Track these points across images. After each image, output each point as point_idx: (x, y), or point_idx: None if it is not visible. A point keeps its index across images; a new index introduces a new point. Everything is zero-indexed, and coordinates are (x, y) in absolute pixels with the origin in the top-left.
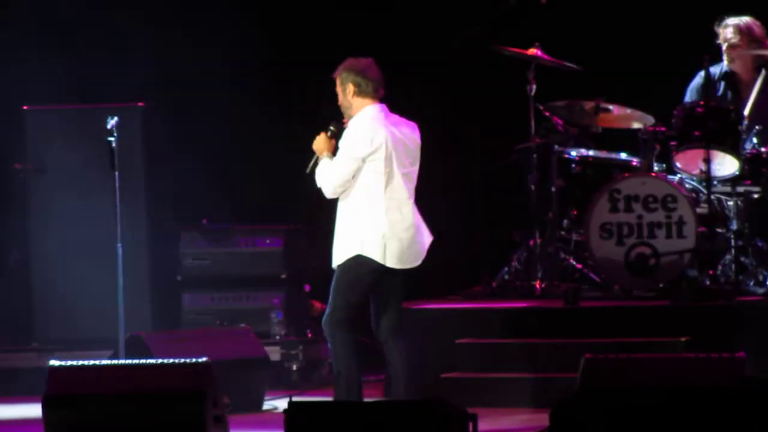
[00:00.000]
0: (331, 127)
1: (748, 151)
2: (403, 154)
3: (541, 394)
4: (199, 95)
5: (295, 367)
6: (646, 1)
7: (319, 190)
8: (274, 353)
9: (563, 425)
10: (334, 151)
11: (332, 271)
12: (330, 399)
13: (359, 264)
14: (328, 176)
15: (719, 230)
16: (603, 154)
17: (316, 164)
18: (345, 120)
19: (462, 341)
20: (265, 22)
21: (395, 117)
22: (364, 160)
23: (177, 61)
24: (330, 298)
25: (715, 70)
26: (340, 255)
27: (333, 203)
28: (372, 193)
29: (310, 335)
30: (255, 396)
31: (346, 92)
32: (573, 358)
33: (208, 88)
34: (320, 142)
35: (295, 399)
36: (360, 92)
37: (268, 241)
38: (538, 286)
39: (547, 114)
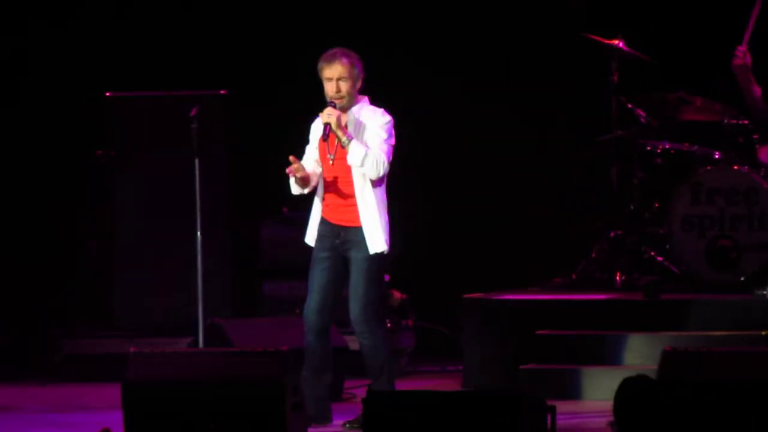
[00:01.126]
0: (332, 102)
1: None
2: None
3: None
4: (283, 83)
5: None
6: None
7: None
8: (353, 342)
9: (628, 416)
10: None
11: (405, 260)
12: (409, 389)
13: (386, 255)
14: (382, 162)
15: None
16: (685, 147)
17: (327, 133)
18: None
19: (541, 332)
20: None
21: None
22: None
23: (262, 49)
24: (363, 290)
25: None
26: (377, 245)
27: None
28: (385, 185)
29: (389, 324)
30: (335, 385)
31: (356, 83)
32: (652, 351)
33: (291, 76)
34: (334, 113)
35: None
36: (360, 85)
37: None
38: (618, 278)
39: (630, 106)
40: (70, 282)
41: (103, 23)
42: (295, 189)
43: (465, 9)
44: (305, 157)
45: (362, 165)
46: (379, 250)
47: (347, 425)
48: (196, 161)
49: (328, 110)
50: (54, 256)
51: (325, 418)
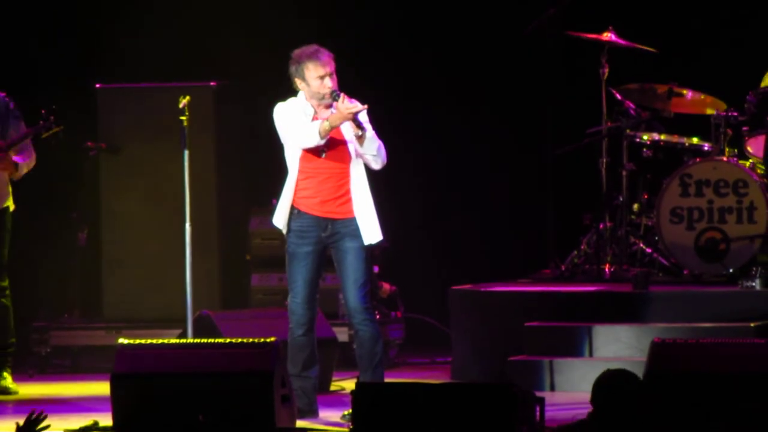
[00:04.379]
0: (336, 93)
1: None
2: None
3: None
4: (272, 76)
5: None
6: None
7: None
8: (342, 334)
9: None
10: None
11: (392, 250)
12: (398, 381)
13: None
14: (384, 150)
15: None
16: (674, 139)
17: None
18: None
19: (530, 324)
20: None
21: None
22: None
23: (252, 41)
24: (363, 278)
25: None
26: (374, 234)
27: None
28: None
29: (378, 316)
30: (322, 376)
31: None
32: (641, 342)
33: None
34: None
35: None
36: None
37: None
38: (607, 269)
39: (620, 98)
40: (59, 273)
41: (94, 14)
42: (317, 138)
43: (454, 5)
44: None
45: (377, 154)
46: (375, 240)
47: (346, 416)
48: (185, 153)
49: (348, 102)
50: (43, 247)
51: (313, 411)
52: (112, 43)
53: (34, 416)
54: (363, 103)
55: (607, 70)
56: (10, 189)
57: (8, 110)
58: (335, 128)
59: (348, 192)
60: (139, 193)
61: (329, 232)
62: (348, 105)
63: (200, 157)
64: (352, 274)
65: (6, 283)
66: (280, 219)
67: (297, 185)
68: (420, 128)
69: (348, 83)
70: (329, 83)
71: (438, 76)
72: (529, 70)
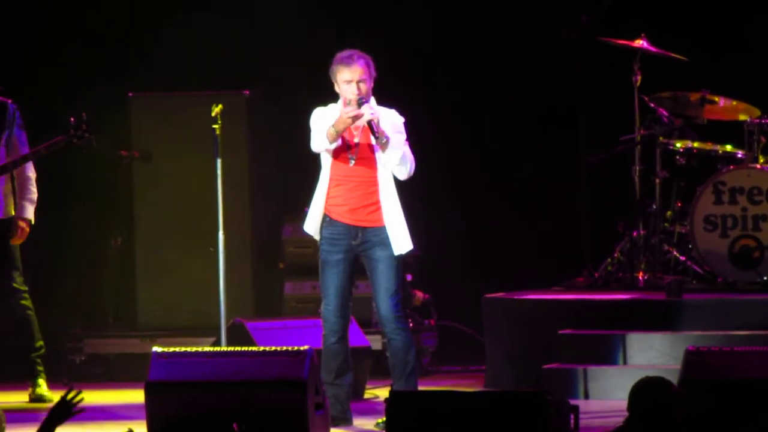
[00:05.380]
0: (362, 100)
1: None
2: None
3: None
4: (305, 84)
5: None
6: None
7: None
8: (376, 342)
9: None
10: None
11: (426, 258)
12: (431, 389)
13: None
14: (412, 161)
15: None
16: (708, 146)
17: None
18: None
19: (564, 332)
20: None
21: None
22: None
23: (285, 49)
24: (395, 287)
25: None
26: (404, 244)
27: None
28: None
29: (411, 324)
30: (356, 384)
31: (371, 84)
32: (675, 350)
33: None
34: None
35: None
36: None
37: None
38: (641, 277)
39: (652, 105)
40: (93, 282)
41: (128, 22)
42: (326, 142)
43: (485, 12)
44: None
45: (400, 164)
46: (405, 250)
47: (380, 424)
48: (218, 161)
49: (366, 107)
50: (76, 255)
51: (347, 419)
52: (145, 51)
53: (71, 395)
54: (401, 114)
55: (639, 78)
56: (13, 199)
57: (14, 118)
58: (341, 133)
59: (377, 201)
60: (172, 201)
61: (359, 240)
62: (347, 110)
63: (233, 165)
64: (383, 283)
65: (24, 287)
66: (311, 226)
67: (328, 192)
68: (453, 136)
69: (384, 88)
70: (355, 89)
71: (471, 85)
72: (563, 78)
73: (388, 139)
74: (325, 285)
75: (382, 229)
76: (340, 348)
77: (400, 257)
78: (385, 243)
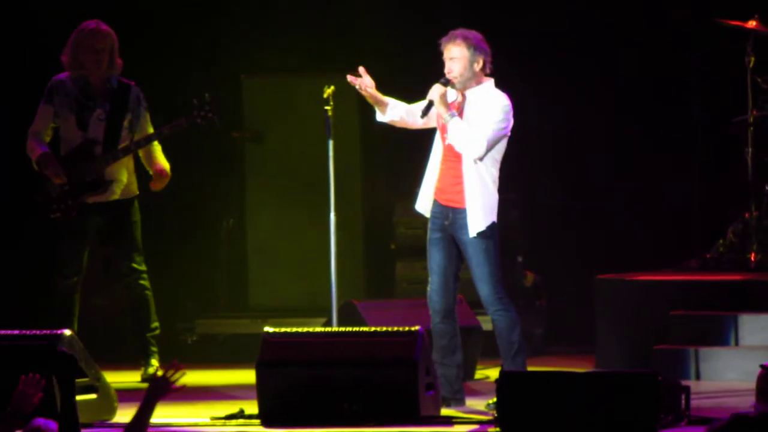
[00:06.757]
0: (444, 79)
1: None
2: None
3: (753, 368)
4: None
5: None
6: None
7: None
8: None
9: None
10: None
11: (540, 240)
12: (542, 369)
13: (495, 231)
14: (479, 141)
15: None
16: None
17: (428, 109)
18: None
19: (675, 313)
20: None
21: None
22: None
23: (399, 28)
24: (488, 270)
25: None
26: (480, 223)
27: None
28: (498, 166)
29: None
30: (467, 365)
31: (475, 64)
32: None
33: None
34: (438, 91)
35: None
36: (484, 67)
37: None
38: (752, 258)
39: (766, 87)
40: (205, 263)
41: (242, 4)
42: (378, 114)
43: None
44: (410, 105)
45: (458, 143)
46: (482, 229)
47: (491, 404)
48: (330, 142)
49: (435, 87)
50: (189, 237)
51: (458, 400)
52: (257, 32)
53: (170, 372)
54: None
55: (753, 59)
56: (135, 178)
57: (139, 102)
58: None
59: (460, 180)
60: (284, 182)
61: (450, 221)
62: (433, 89)
63: (345, 147)
64: (474, 268)
65: (143, 267)
66: (420, 204)
67: (430, 172)
68: (565, 119)
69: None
70: (446, 67)
71: (581, 65)
72: (676, 59)
73: (452, 116)
74: (429, 265)
75: (464, 211)
76: (445, 328)
77: (487, 238)
78: (465, 227)
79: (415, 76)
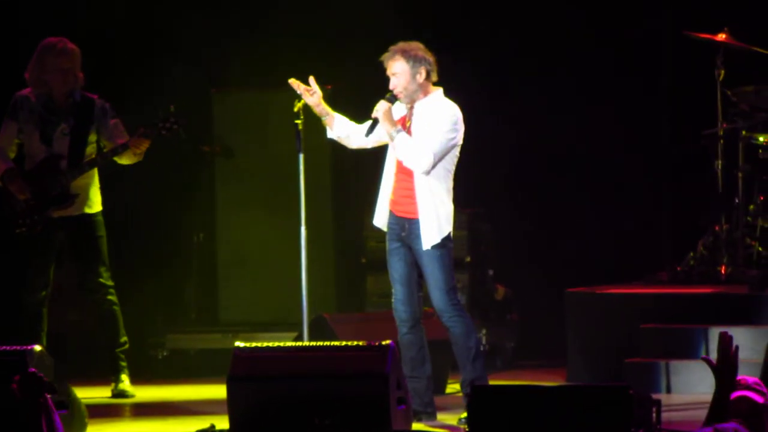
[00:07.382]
0: (389, 96)
1: None
2: None
3: None
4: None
5: None
6: None
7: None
8: None
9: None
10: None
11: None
12: (513, 383)
13: (449, 241)
14: (425, 154)
15: None
16: None
17: (373, 127)
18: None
19: (646, 326)
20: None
21: None
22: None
23: (366, 43)
24: (441, 278)
25: None
26: (435, 235)
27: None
28: (451, 176)
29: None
30: (439, 379)
31: (417, 75)
32: (758, 344)
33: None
34: (383, 108)
35: (462, 376)
36: (428, 77)
37: None
38: (723, 271)
39: (735, 99)
40: (175, 277)
41: (211, 16)
42: (327, 131)
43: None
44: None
45: (405, 159)
46: (436, 242)
47: (462, 419)
48: (300, 156)
49: (380, 104)
50: (158, 250)
51: (429, 414)
52: (228, 47)
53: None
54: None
55: (722, 72)
56: (99, 194)
57: (105, 113)
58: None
59: (413, 192)
60: (254, 196)
61: (406, 232)
62: (376, 107)
63: (315, 161)
64: (429, 276)
65: (111, 282)
66: (377, 219)
67: (383, 180)
68: (533, 130)
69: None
70: (390, 83)
71: (553, 77)
72: (645, 72)
73: (397, 131)
74: (391, 274)
75: (418, 222)
76: (413, 338)
77: (441, 248)
78: (419, 238)
79: (383, 90)
